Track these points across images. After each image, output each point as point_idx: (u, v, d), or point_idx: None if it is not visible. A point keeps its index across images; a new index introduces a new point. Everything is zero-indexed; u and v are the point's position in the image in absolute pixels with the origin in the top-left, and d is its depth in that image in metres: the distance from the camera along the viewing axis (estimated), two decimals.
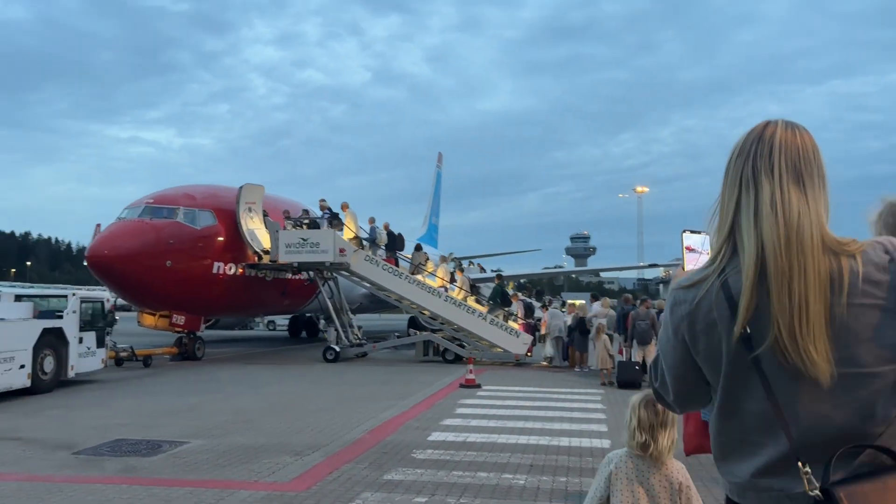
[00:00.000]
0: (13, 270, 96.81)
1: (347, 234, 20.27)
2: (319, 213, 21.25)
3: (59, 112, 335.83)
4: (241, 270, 19.94)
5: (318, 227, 20.01)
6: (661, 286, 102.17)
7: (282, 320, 37.04)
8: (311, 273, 20.83)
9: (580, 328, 17.63)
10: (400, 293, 20.02)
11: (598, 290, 49.51)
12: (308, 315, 30.63)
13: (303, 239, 19.50)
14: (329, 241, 19.29)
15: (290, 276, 21.39)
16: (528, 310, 21.84)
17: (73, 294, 13.89)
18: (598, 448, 8.39)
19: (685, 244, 2.01)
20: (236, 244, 19.75)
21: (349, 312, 22.11)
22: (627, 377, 14.43)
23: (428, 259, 22.77)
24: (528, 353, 19.57)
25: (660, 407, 2.91)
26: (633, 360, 15.21)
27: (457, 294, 20.88)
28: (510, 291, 25.60)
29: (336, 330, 20.37)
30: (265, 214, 20.59)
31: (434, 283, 20.97)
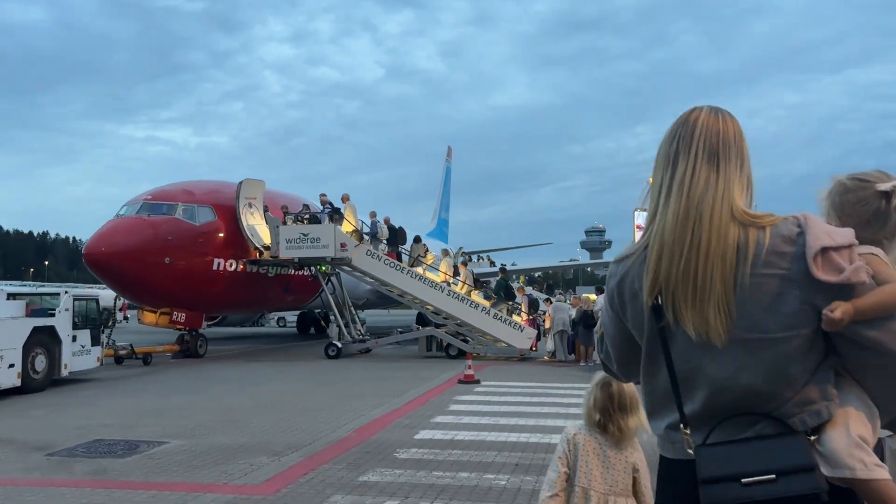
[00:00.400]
0: (32, 270, 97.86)
1: (347, 227, 20.00)
2: (320, 208, 21.00)
3: (75, 113, 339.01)
4: (241, 267, 19.76)
5: (319, 222, 19.76)
6: None
7: (292, 317, 36.94)
8: (312, 269, 20.61)
9: (584, 321, 17.26)
10: (402, 288, 19.76)
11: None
12: (317, 311, 30.47)
13: (303, 234, 19.27)
14: (330, 236, 19.04)
15: (292, 271, 21.17)
16: (533, 305, 21.46)
17: (66, 292, 13.74)
18: None
19: (636, 222, 2.00)
20: (236, 240, 19.56)
21: (352, 308, 21.88)
22: None
23: (428, 251, 22.45)
24: (533, 348, 19.24)
25: (615, 389, 2.95)
26: None
27: (459, 288, 20.55)
28: (521, 285, 25.26)
29: (338, 326, 20.12)
30: (266, 210, 20.39)
31: (437, 277, 20.66)
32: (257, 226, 20.00)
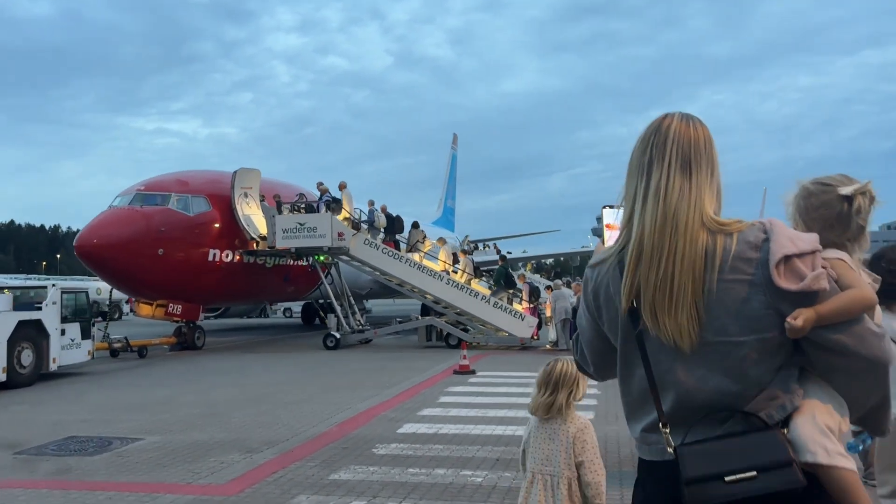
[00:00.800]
0: (44, 263, 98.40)
1: (344, 215, 19.68)
2: (318, 197, 20.66)
3: (85, 106, 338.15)
4: (238, 257, 19.50)
5: (316, 212, 19.45)
6: None
7: (298, 307, 36.72)
8: (309, 258, 20.32)
9: None
10: (401, 277, 19.46)
11: None
12: (321, 301, 30.21)
13: (300, 224, 18.98)
14: (326, 226, 18.74)
15: (290, 262, 20.90)
16: (534, 292, 21.09)
17: (53, 285, 13.54)
18: None
19: (605, 221, 2.34)
20: (232, 230, 19.28)
21: (351, 298, 21.59)
22: None
23: (426, 237, 22.09)
24: (535, 337, 18.89)
25: (549, 367, 3.27)
26: None
27: (459, 277, 20.20)
28: (522, 273, 24.84)
29: (337, 316, 19.85)
30: (262, 199, 20.09)
31: (436, 265, 20.32)
32: (253, 216, 19.71)
